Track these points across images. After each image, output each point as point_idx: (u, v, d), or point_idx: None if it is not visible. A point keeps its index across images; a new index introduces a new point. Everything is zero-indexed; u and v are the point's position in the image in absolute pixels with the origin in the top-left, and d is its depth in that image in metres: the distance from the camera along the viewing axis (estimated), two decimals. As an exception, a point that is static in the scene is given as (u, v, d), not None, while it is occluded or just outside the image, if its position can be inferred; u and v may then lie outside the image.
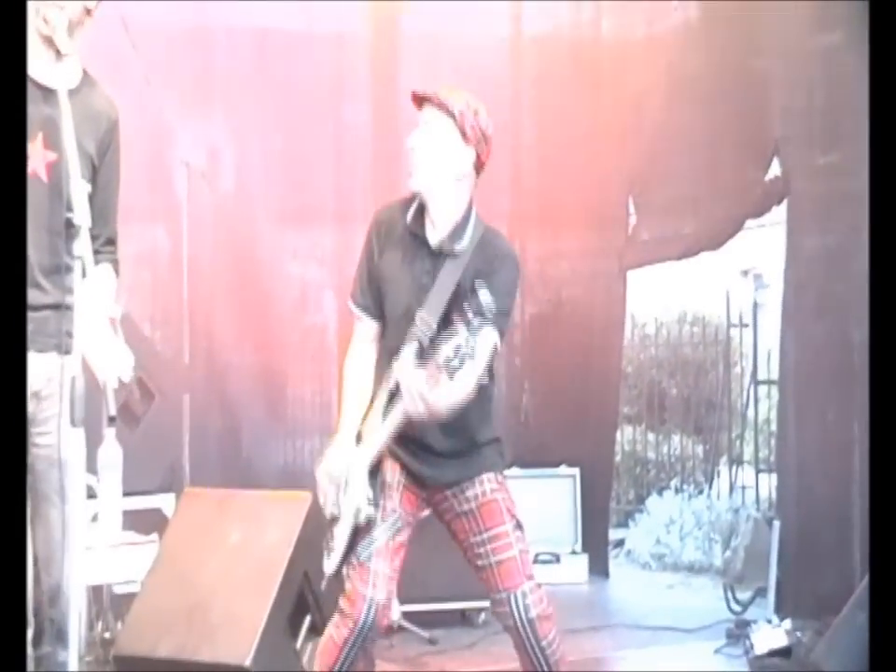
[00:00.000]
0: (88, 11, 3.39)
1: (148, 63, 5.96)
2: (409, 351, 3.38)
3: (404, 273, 3.51)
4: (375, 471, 3.52)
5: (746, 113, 6.30)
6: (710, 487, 8.08)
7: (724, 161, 6.51)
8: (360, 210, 6.29)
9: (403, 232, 3.53)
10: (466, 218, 3.52)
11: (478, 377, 3.42)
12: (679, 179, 6.80)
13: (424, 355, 3.39)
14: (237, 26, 6.52)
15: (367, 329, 3.65)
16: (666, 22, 6.94)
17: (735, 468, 8.02)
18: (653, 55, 6.81)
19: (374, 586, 3.43)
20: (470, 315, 3.25)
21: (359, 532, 3.46)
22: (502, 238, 3.62)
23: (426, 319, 3.43)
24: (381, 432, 3.48)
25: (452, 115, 3.46)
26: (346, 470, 3.49)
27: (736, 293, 8.38)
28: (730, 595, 5.98)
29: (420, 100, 3.52)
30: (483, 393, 3.54)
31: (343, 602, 3.45)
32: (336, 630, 3.46)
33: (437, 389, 3.30)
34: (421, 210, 3.53)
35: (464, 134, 3.47)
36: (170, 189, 6.07)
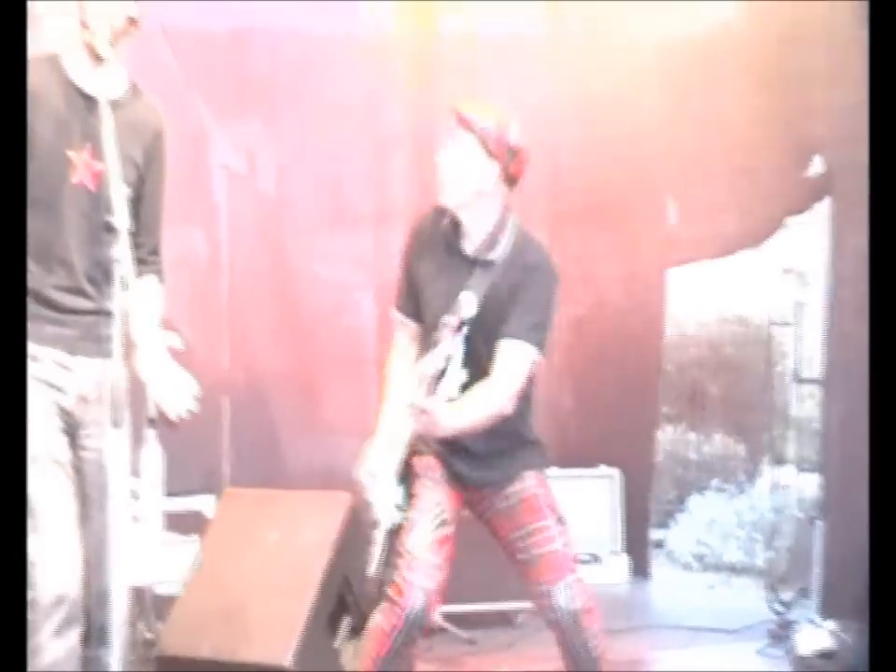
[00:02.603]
0: (132, 21, 3.44)
1: (187, 67, 6.01)
2: (425, 366, 3.41)
3: (440, 280, 3.57)
4: (405, 476, 3.56)
5: (787, 110, 6.30)
6: (752, 487, 8.06)
7: (765, 158, 6.51)
8: (398, 212, 6.35)
9: (440, 241, 3.60)
10: (500, 228, 3.57)
11: (510, 393, 3.45)
12: (718, 178, 6.81)
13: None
14: (275, 29, 6.58)
15: (407, 332, 3.71)
16: (707, 20, 6.94)
17: (777, 467, 8.00)
18: (693, 53, 6.81)
19: (423, 574, 3.48)
20: (457, 323, 3.30)
21: (395, 533, 3.51)
22: (540, 248, 3.65)
23: (451, 325, 3.48)
24: (400, 443, 3.54)
25: (474, 132, 3.52)
26: (381, 471, 3.55)
27: (778, 291, 8.34)
28: (772, 595, 5.98)
29: (452, 115, 3.58)
30: (522, 396, 3.58)
31: (391, 591, 3.51)
32: (385, 618, 3.51)
33: (449, 407, 3.34)
34: (457, 220, 3.59)
35: (488, 150, 3.52)
36: (209, 192, 6.15)
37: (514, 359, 3.48)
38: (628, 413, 7.01)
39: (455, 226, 3.60)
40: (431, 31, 6.87)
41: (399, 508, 3.54)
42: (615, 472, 6.91)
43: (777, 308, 8.18)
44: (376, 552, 3.54)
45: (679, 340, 9.58)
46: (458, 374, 3.29)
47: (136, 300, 3.24)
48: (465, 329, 3.32)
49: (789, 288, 7.95)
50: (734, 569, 7.36)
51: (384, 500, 3.55)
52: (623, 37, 7.11)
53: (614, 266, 7.18)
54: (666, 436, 9.08)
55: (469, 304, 3.35)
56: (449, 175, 3.56)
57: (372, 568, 3.54)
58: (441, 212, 3.62)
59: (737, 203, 6.77)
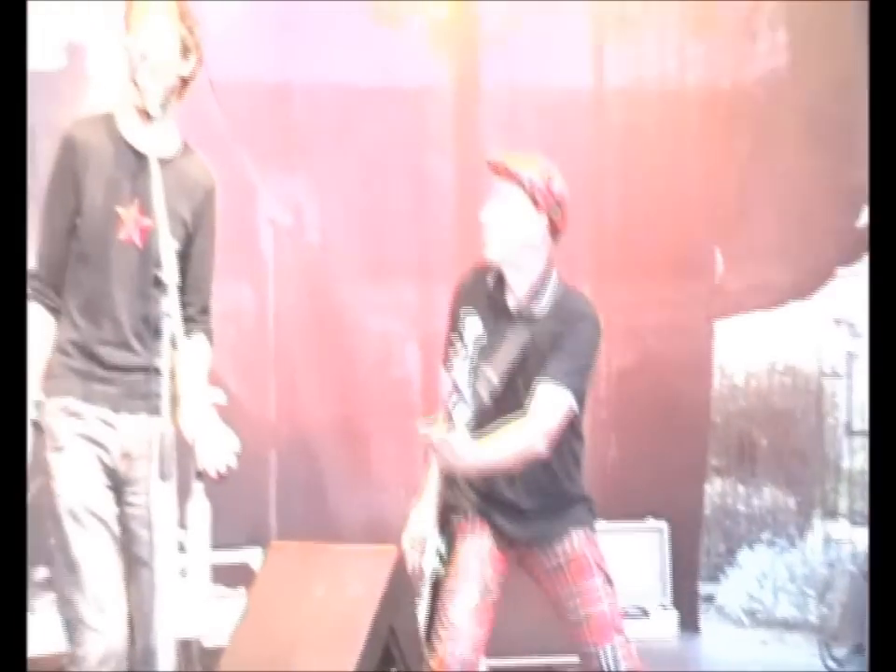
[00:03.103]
0: (184, 81, 3.51)
1: (233, 120, 6.10)
2: (459, 408, 3.43)
3: (486, 333, 3.58)
4: (446, 525, 3.57)
5: (836, 159, 6.32)
6: (804, 541, 8.00)
7: (814, 208, 6.52)
8: (443, 263, 6.40)
9: (484, 296, 3.63)
10: (544, 282, 3.60)
11: (540, 433, 3.46)
12: (767, 227, 6.82)
13: (484, 411, 3.47)
14: (319, 82, 6.68)
15: None
16: (754, 70, 6.98)
17: (829, 521, 7.94)
18: (741, 103, 6.85)
19: (465, 647, 3.50)
20: (460, 348, 3.32)
21: (442, 592, 3.52)
22: (582, 299, 3.69)
23: (488, 375, 3.51)
24: (430, 486, 3.55)
25: (521, 184, 3.54)
26: (425, 535, 3.57)
27: (828, 342, 8.33)
28: (826, 651, 5.93)
29: (493, 168, 3.61)
30: (567, 450, 3.60)
31: (434, 662, 3.52)
32: None
33: (472, 441, 3.36)
34: (501, 275, 3.62)
35: (535, 202, 3.55)
36: (255, 246, 6.22)
37: (548, 401, 3.50)
38: (676, 465, 7.00)
39: (500, 281, 3.63)
40: (475, 83, 6.94)
41: (442, 557, 3.55)
42: (663, 525, 6.89)
43: (828, 359, 8.16)
44: (421, 610, 3.56)
45: (728, 391, 9.56)
46: (468, 406, 3.32)
47: (184, 357, 3.28)
48: (470, 356, 3.34)
49: (839, 339, 7.94)
50: (786, 625, 7.30)
51: (427, 557, 3.57)
52: (668, 88, 7.16)
53: (661, 317, 7.19)
54: (715, 488, 9.03)
55: (472, 326, 3.37)
56: (495, 229, 3.58)
57: (420, 623, 3.55)
58: (485, 268, 3.65)
59: (786, 254, 6.77)
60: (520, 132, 6.87)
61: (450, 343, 3.74)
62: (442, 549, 3.57)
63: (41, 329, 3.47)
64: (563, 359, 3.52)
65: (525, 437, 3.47)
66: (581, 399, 3.57)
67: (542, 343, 3.54)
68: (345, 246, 6.61)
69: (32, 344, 3.44)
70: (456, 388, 3.32)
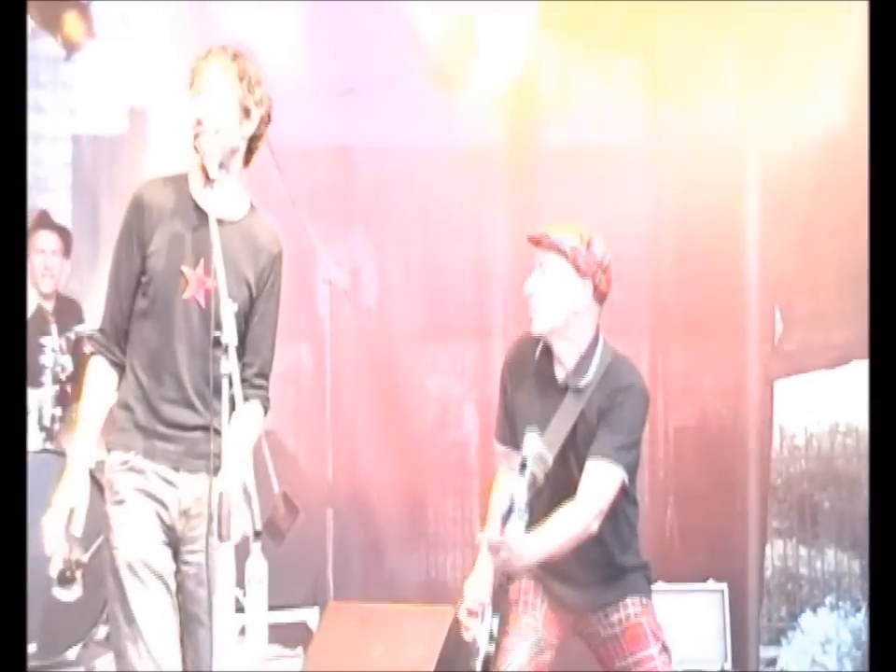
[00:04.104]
0: (250, 141, 3.56)
1: (293, 183, 6.18)
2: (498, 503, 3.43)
3: (535, 409, 3.61)
4: (500, 607, 3.56)
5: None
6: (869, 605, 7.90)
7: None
8: (499, 324, 6.45)
9: (533, 369, 3.64)
10: (591, 350, 3.60)
11: (595, 513, 3.47)
12: (827, 287, 6.80)
13: (539, 490, 3.49)
14: (378, 146, 6.76)
15: (509, 463, 3.72)
16: (811, 130, 6.98)
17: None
18: (799, 163, 6.84)
19: None
20: (521, 463, 3.33)
21: (490, 662, 3.52)
22: (629, 367, 3.67)
23: (542, 454, 3.51)
24: (484, 557, 3.56)
25: (564, 253, 3.56)
26: (481, 603, 3.57)
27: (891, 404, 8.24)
28: (891, 718, 5.83)
29: (534, 242, 3.64)
30: (621, 519, 3.60)
31: None
32: None
33: (528, 536, 3.37)
34: (548, 346, 3.63)
35: (578, 269, 3.56)
36: (313, 307, 6.28)
37: (600, 479, 3.49)
38: (736, 526, 6.95)
39: (548, 353, 3.64)
40: (533, 143, 7.00)
41: (492, 637, 3.54)
42: (723, 587, 6.83)
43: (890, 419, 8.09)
44: None
45: (789, 452, 9.49)
46: (524, 514, 3.33)
47: (233, 421, 3.30)
48: (529, 469, 3.36)
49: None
50: (850, 691, 7.19)
51: (480, 634, 3.57)
52: (725, 147, 7.18)
53: (719, 378, 7.17)
54: (776, 551, 8.95)
55: (532, 444, 3.39)
56: (542, 301, 3.59)
57: None
58: (531, 339, 3.66)
59: (847, 313, 6.74)
60: (576, 191, 6.91)
61: (500, 416, 3.75)
62: (494, 629, 3.55)
63: (104, 384, 3.53)
64: (612, 434, 3.51)
65: (579, 521, 3.47)
66: (632, 471, 3.56)
67: (590, 416, 3.54)
68: (402, 308, 6.68)
69: (94, 398, 3.51)
70: (513, 506, 3.33)
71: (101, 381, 3.52)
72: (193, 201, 3.51)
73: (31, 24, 6.30)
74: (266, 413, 3.62)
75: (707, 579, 6.83)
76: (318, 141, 6.68)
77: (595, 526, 3.47)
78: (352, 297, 6.56)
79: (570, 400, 3.56)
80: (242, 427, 3.34)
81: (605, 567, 3.61)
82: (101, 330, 3.56)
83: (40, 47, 6.54)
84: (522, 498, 3.33)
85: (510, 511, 3.33)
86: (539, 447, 3.40)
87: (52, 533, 3.42)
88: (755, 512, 7.08)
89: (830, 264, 6.72)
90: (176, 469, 3.50)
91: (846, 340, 6.80)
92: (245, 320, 3.46)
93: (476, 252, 6.88)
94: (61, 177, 6.82)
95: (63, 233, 5.93)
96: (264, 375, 3.62)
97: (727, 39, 6.94)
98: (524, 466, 3.37)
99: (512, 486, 3.36)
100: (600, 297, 3.61)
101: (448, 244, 6.80)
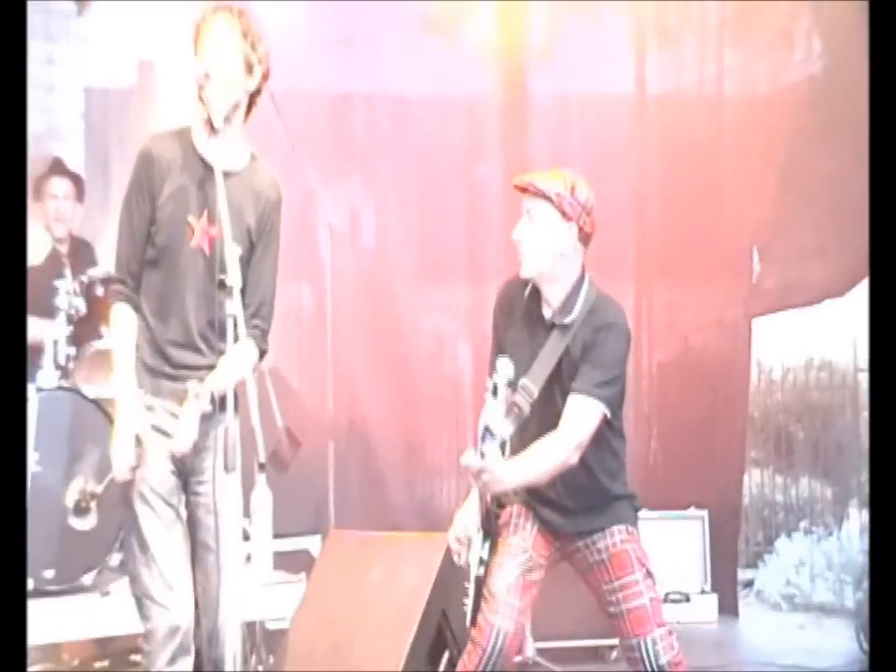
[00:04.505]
0: (250, 96, 3.56)
1: (293, 130, 6.16)
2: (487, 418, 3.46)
3: (524, 345, 3.63)
4: (489, 531, 3.60)
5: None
6: (840, 530, 7.97)
7: (849, 208, 6.48)
8: (492, 266, 6.45)
9: (523, 308, 3.66)
10: (577, 290, 3.62)
11: (574, 445, 3.50)
12: (803, 228, 6.80)
13: (524, 422, 3.52)
14: (374, 93, 6.74)
15: None
16: (789, 78, 6.95)
17: (865, 510, 7.89)
18: (777, 109, 6.82)
19: (503, 616, 3.53)
20: (492, 387, 3.36)
21: (482, 581, 3.56)
22: (612, 306, 3.67)
23: (527, 387, 3.56)
24: (472, 500, 3.60)
25: (549, 199, 3.57)
26: (470, 531, 3.62)
27: (863, 339, 8.27)
28: (862, 635, 5.90)
29: (520, 189, 3.64)
30: (607, 451, 3.62)
31: (473, 632, 3.57)
32: (468, 657, 3.58)
33: (509, 462, 3.41)
34: (537, 287, 3.65)
35: (563, 213, 3.57)
36: (314, 249, 6.28)
37: (580, 413, 3.52)
38: (716, 456, 6.99)
39: (536, 293, 3.66)
40: (521, 90, 6.97)
41: (483, 561, 3.58)
42: (704, 514, 6.89)
43: (863, 355, 8.11)
44: (469, 603, 3.60)
45: (766, 386, 9.54)
46: (499, 436, 3.36)
47: (225, 358, 3.37)
48: (501, 393, 3.39)
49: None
50: (823, 610, 7.27)
51: (471, 558, 3.61)
52: (708, 94, 7.16)
53: (701, 314, 7.20)
54: (754, 479, 9.02)
55: (503, 369, 3.41)
56: (530, 246, 3.60)
57: (468, 619, 3.60)
58: (521, 280, 3.68)
59: (822, 254, 6.74)
60: (565, 138, 6.90)
61: (492, 352, 3.77)
62: (485, 554, 3.59)
63: (130, 326, 3.56)
64: (593, 370, 3.54)
65: (558, 451, 3.50)
66: (614, 406, 3.58)
67: (574, 352, 3.57)
68: (399, 250, 6.69)
69: (124, 340, 3.55)
70: (489, 430, 3.36)
71: (127, 324, 3.56)
72: (198, 154, 3.53)
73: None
74: (263, 353, 3.64)
75: (689, 506, 6.89)
76: (317, 89, 6.64)
77: (574, 458, 3.50)
78: (351, 239, 6.56)
79: (556, 337, 3.59)
80: (229, 365, 3.39)
81: (593, 496, 3.65)
82: (119, 280, 3.58)
83: (53, 3, 6.50)
84: (495, 421, 3.37)
85: (484, 434, 3.37)
86: (510, 372, 3.42)
87: (121, 460, 3.46)
88: (734, 443, 7.12)
89: (805, 206, 6.72)
90: (183, 406, 3.51)
91: (820, 279, 6.81)
92: (244, 264, 3.47)
93: (470, 195, 6.89)
94: (73, 127, 6.80)
95: (76, 180, 5.91)
96: (262, 317, 3.63)
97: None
98: (495, 389, 3.39)
99: (486, 410, 3.38)
100: (585, 238, 3.62)
101: (443, 187, 6.80)
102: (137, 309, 3.56)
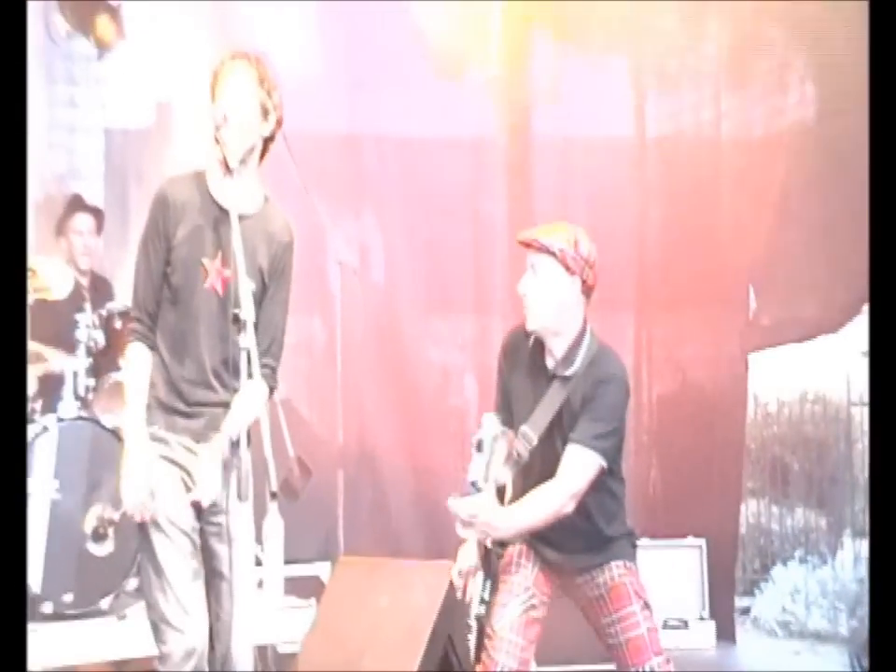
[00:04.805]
0: (265, 140, 3.57)
1: (305, 169, 6.18)
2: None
3: (527, 393, 3.65)
4: (490, 571, 3.59)
5: (863, 202, 6.27)
6: (834, 559, 7.94)
7: (842, 247, 6.49)
8: (497, 300, 6.46)
9: (527, 357, 3.66)
10: (579, 342, 3.62)
11: (568, 495, 3.49)
12: (798, 266, 6.81)
13: (526, 467, 3.52)
14: (384, 134, 6.77)
15: (505, 440, 3.72)
16: (784, 121, 6.98)
17: (858, 540, 7.87)
18: (772, 151, 6.85)
19: (506, 654, 3.52)
20: (476, 443, 3.36)
21: (484, 620, 3.55)
22: (612, 359, 3.68)
23: (527, 434, 3.57)
24: (472, 539, 3.59)
25: (553, 254, 3.58)
26: (471, 571, 3.61)
27: (856, 373, 8.27)
28: (856, 662, 5.87)
29: (525, 244, 3.65)
30: (605, 495, 3.62)
31: (478, 669, 3.54)
32: None
33: (504, 510, 3.43)
34: (540, 338, 3.65)
35: (567, 268, 3.59)
36: (325, 284, 6.31)
37: (576, 464, 3.52)
38: (714, 487, 6.97)
39: (539, 343, 3.66)
40: (526, 131, 7.00)
41: (484, 601, 3.57)
42: (702, 543, 6.87)
43: (856, 389, 8.10)
44: (471, 639, 3.59)
45: (762, 418, 9.52)
46: (487, 489, 3.38)
47: (238, 397, 3.38)
48: (486, 449, 3.39)
49: (866, 370, 7.84)
50: (818, 637, 7.23)
51: (472, 596, 3.60)
52: (706, 136, 7.18)
53: (699, 349, 7.19)
54: (750, 509, 8.99)
55: (489, 425, 3.43)
56: (535, 300, 3.61)
57: (471, 656, 3.58)
58: (527, 330, 3.68)
59: (816, 291, 6.75)
60: (568, 177, 6.92)
61: (497, 396, 3.76)
62: (486, 595, 3.58)
63: (145, 364, 3.56)
64: (592, 423, 3.54)
65: (553, 500, 3.50)
66: (610, 457, 3.57)
67: (575, 403, 3.57)
68: (407, 284, 6.70)
69: (138, 378, 3.55)
70: (473, 484, 3.38)
71: (141, 364, 3.56)
72: (212, 196, 3.54)
73: (66, 26, 6.33)
74: (272, 391, 3.63)
75: (687, 535, 6.87)
76: (328, 130, 6.67)
77: (569, 507, 3.49)
78: (361, 275, 6.58)
79: (557, 388, 3.58)
80: (242, 407, 3.40)
81: (591, 537, 3.64)
82: (137, 319, 3.58)
83: (74, 47, 6.57)
84: (480, 478, 3.37)
85: (471, 485, 3.38)
86: (496, 429, 3.44)
87: (130, 494, 3.46)
88: (731, 474, 7.10)
89: (801, 245, 6.73)
90: (198, 441, 3.54)
91: (814, 316, 6.83)
92: (258, 304, 3.47)
93: (475, 232, 6.89)
94: (94, 167, 6.83)
95: (97, 213, 5.95)
96: (272, 355, 3.62)
97: (707, 38, 6.95)
98: (479, 445, 3.40)
99: (472, 465, 3.39)
100: (587, 291, 3.64)
101: (450, 225, 6.81)
102: (153, 347, 3.57)
